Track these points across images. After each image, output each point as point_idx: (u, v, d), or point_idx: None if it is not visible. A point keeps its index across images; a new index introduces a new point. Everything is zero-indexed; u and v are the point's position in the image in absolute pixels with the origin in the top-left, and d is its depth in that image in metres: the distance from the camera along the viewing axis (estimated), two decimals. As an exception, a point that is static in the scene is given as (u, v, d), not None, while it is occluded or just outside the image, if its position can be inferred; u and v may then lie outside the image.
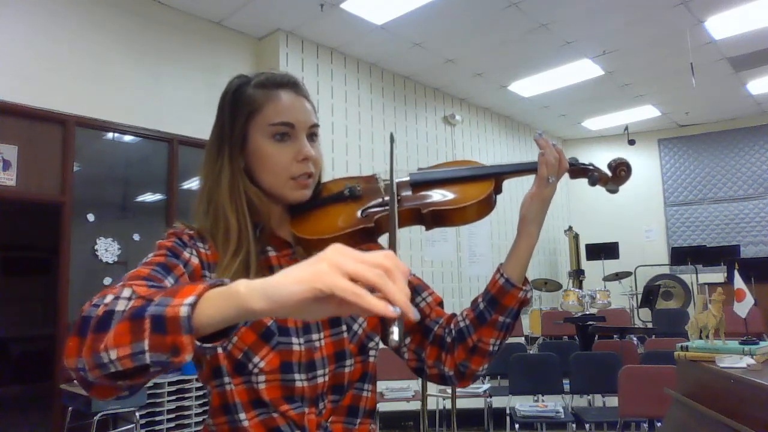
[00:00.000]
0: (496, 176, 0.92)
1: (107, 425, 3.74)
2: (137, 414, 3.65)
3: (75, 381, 0.63)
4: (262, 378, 0.83)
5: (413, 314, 0.51)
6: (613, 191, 1.01)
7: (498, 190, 0.93)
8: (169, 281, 0.76)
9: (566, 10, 5.05)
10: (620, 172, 0.97)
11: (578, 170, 0.97)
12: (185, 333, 0.54)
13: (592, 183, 0.98)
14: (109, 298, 0.62)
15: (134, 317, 0.57)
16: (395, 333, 0.53)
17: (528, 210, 0.94)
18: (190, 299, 0.55)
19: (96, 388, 0.63)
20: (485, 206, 0.89)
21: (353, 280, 0.51)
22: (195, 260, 0.85)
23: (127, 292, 0.62)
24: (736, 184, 8.47)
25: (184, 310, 0.55)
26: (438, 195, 0.90)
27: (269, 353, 0.83)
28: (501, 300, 0.91)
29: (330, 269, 0.51)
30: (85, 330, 0.60)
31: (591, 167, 0.98)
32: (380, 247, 1.01)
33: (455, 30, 5.37)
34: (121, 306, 0.60)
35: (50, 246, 5.03)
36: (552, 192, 0.93)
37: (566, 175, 0.97)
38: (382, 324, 0.60)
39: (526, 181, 0.89)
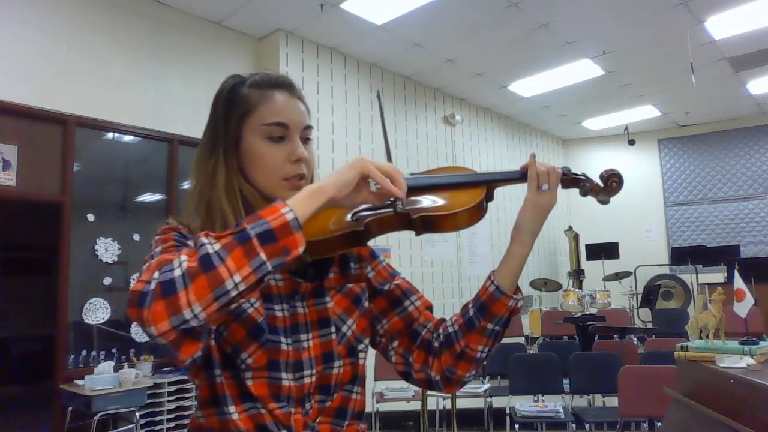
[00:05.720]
0: (488, 184, 0.91)
1: (107, 425, 3.74)
2: (137, 414, 3.65)
3: (165, 343, 0.65)
4: (249, 374, 0.83)
5: (405, 200, 0.80)
6: (604, 202, 0.99)
7: (489, 197, 0.92)
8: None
9: (566, 10, 5.05)
10: (612, 183, 0.96)
11: (570, 180, 0.96)
12: (296, 231, 0.69)
13: (584, 193, 0.97)
14: (184, 257, 0.66)
15: (241, 242, 0.66)
16: (399, 204, 0.79)
17: (523, 217, 0.92)
18: (285, 209, 0.70)
19: (188, 341, 0.66)
20: (475, 213, 0.87)
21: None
22: None
23: (204, 240, 0.68)
24: (736, 184, 8.47)
25: (290, 216, 0.69)
26: (429, 201, 0.89)
27: (257, 350, 0.83)
28: (490, 307, 0.90)
29: (366, 163, 0.76)
30: (172, 289, 0.64)
31: (583, 177, 0.96)
32: (370, 250, 1.01)
33: (455, 30, 5.37)
34: (211, 249, 0.66)
35: (50, 246, 5.02)
36: (550, 200, 0.91)
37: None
38: (391, 204, 0.80)
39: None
